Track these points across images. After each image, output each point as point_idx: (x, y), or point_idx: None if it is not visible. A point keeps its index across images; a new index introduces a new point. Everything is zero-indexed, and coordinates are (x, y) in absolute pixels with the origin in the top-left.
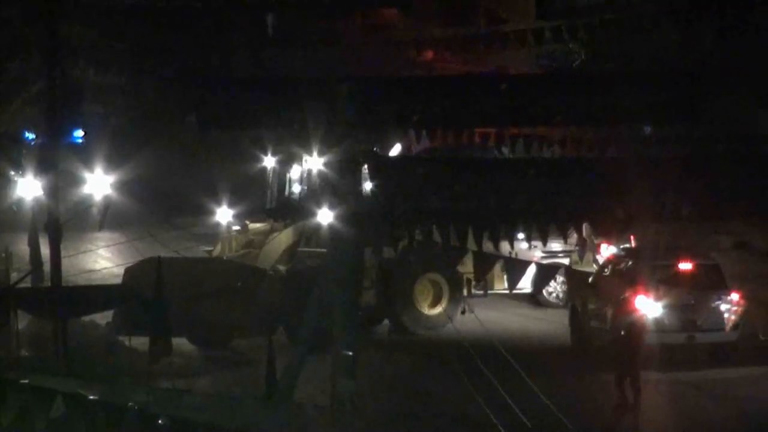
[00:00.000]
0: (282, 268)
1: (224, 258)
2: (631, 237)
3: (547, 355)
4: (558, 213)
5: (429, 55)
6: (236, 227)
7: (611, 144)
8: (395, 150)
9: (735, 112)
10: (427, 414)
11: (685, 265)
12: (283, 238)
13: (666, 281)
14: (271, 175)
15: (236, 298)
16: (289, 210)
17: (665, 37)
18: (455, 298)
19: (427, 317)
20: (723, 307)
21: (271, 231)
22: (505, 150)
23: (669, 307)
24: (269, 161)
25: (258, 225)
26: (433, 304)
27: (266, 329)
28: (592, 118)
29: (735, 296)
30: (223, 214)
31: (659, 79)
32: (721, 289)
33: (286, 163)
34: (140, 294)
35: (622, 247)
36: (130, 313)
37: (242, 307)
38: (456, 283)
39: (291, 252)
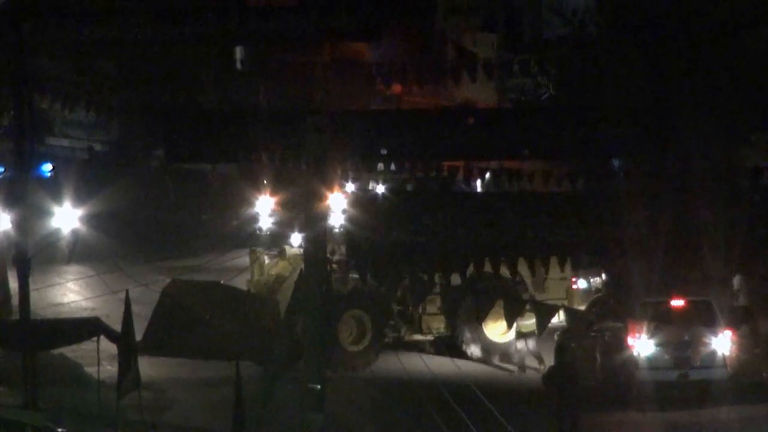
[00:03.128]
0: None
1: (252, 282)
2: (602, 272)
3: (525, 394)
4: (527, 247)
5: (397, 88)
6: (272, 252)
7: (580, 178)
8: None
9: (711, 146)
10: None
11: (678, 302)
12: None
13: (658, 318)
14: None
15: (233, 323)
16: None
17: (634, 70)
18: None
19: (493, 345)
20: (716, 344)
21: (332, 254)
22: (474, 184)
23: (662, 345)
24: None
25: (297, 250)
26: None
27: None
28: (561, 152)
29: (728, 333)
30: (296, 238)
31: (628, 112)
32: (714, 325)
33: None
34: (171, 314)
35: (601, 281)
36: (160, 334)
37: (236, 332)
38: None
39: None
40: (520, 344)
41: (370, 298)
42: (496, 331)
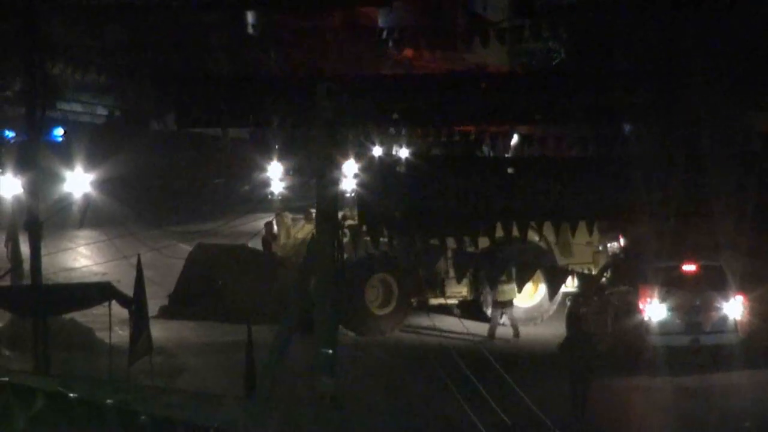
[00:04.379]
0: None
1: (280, 245)
2: (620, 236)
3: (535, 360)
4: (547, 211)
5: (408, 53)
6: (298, 216)
7: (592, 143)
8: None
9: (722, 112)
10: (408, 412)
11: (689, 267)
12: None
13: (669, 283)
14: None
15: (259, 285)
16: None
17: (646, 34)
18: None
19: (525, 311)
20: (727, 308)
21: (343, 219)
22: (486, 148)
23: (673, 309)
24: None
25: None
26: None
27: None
28: (572, 117)
29: (739, 298)
30: None
31: (640, 77)
32: (725, 290)
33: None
34: (194, 277)
35: (618, 246)
36: (184, 296)
37: (262, 292)
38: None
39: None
40: (496, 313)
41: (397, 262)
42: (521, 294)
